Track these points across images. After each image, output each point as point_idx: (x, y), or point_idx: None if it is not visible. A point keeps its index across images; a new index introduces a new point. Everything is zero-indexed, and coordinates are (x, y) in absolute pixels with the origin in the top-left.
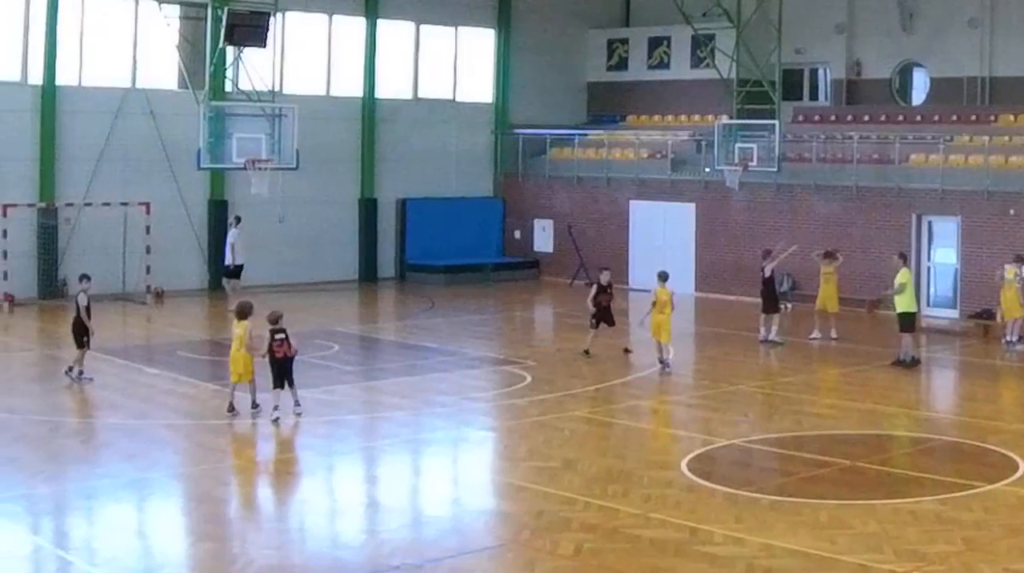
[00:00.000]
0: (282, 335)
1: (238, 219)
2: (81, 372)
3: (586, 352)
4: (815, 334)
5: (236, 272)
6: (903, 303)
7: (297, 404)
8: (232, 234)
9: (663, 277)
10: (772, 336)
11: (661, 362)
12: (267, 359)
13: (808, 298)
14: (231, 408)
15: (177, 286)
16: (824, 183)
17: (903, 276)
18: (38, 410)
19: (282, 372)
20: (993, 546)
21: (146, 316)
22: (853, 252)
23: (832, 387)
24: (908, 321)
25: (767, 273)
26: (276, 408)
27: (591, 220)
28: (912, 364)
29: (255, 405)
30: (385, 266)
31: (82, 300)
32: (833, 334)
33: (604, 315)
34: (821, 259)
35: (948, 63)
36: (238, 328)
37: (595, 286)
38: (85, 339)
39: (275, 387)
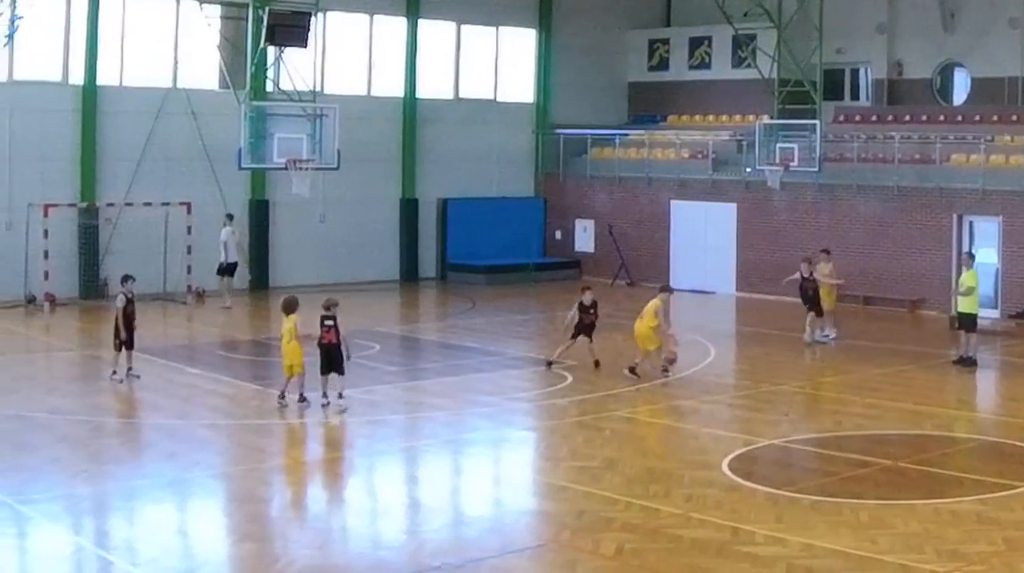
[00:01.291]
0: (331, 322)
1: (230, 217)
2: (114, 372)
3: (549, 364)
4: (827, 333)
5: (230, 270)
6: (971, 305)
7: (340, 396)
8: (224, 232)
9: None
10: (818, 337)
11: (631, 370)
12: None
13: (851, 298)
14: (282, 396)
15: (218, 286)
16: (865, 183)
17: (972, 278)
18: (79, 410)
19: (328, 359)
20: None
21: (187, 316)
22: (894, 252)
23: (873, 387)
24: (972, 321)
25: (806, 274)
26: (324, 394)
27: (632, 220)
28: (971, 364)
29: (302, 398)
30: (426, 266)
31: (119, 302)
32: (832, 333)
33: (586, 330)
34: (819, 258)
35: (989, 63)
36: (287, 322)
37: (576, 305)
38: (117, 342)
39: (322, 373)
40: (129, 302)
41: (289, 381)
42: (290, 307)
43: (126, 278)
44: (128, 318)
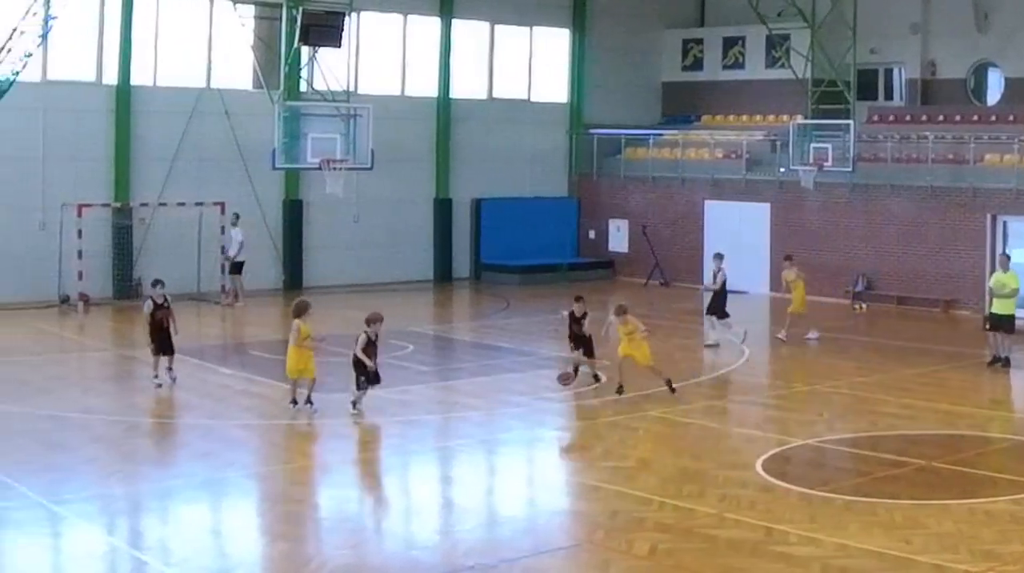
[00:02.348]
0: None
1: (237, 216)
2: (156, 376)
3: (574, 372)
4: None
5: (239, 268)
6: (1011, 306)
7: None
8: (237, 232)
9: (619, 311)
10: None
11: (595, 377)
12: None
13: (885, 298)
14: (294, 402)
15: (251, 286)
16: (899, 183)
17: (1013, 280)
18: (114, 410)
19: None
20: None
21: (220, 316)
22: (927, 253)
23: (907, 387)
24: (1011, 323)
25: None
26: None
27: (666, 220)
28: (1006, 364)
29: (308, 401)
30: (460, 266)
31: (146, 307)
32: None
33: (578, 342)
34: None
35: (1023, 63)
36: (298, 325)
37: (568, 315)
38: (151, 347)
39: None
40: (160, 307)
41: (297, 385)
42: (300, 311)
43: (155, 283)
44: (157, 324)
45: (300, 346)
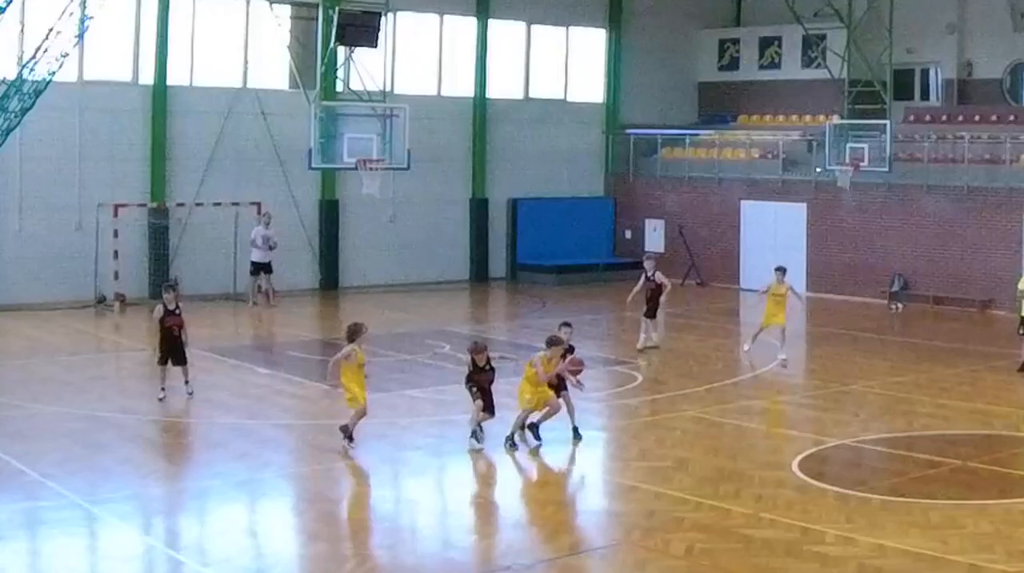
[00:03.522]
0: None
1: (269, 216)
2: (162, 389)
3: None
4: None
5: (262, 268)
6: None
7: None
8: (258, 230)
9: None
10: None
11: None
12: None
13: (921, 299)
14: (349, 436)
15: (288, 286)
16: (935, 183)
17: None
18: (150, 410)
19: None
20: None
21: (257, 316)
22: (964, 253)
23: (943, 387)
24: None
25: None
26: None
27: (702, 220)
28: None
29: (348, 434)
30: (496, 266)
31: (156, 311)
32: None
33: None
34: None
35: None
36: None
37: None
38: (158, 356)
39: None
40: (170, 313)
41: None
42: (355, 333)
43: (168, 286)
44: (167, 331)
45: (356, 372)
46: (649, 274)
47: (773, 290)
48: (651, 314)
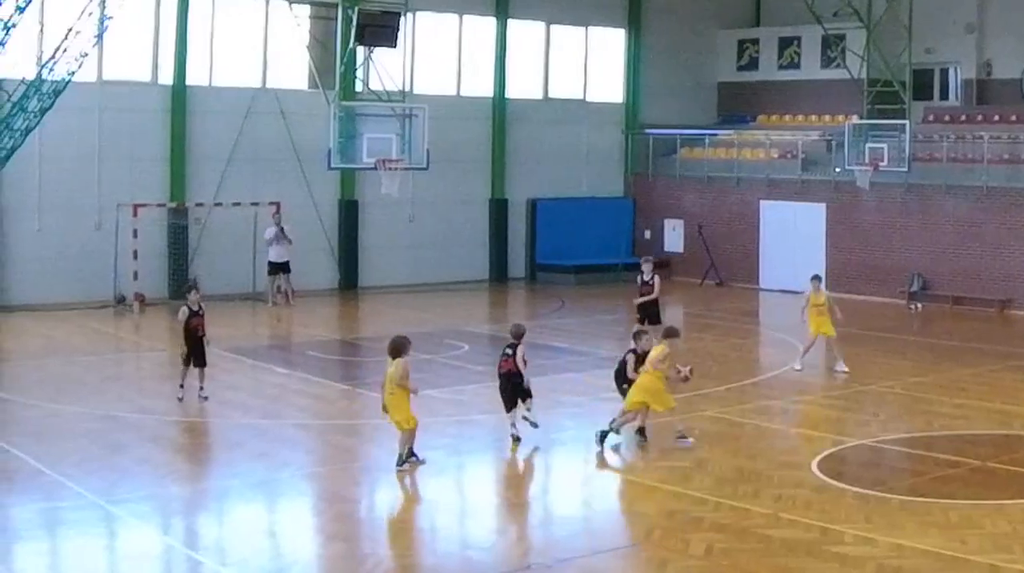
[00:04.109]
0: (511, 350)
1: (280, 217)
2: (181, 386)
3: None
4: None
5: (279, 268)
6: None
7: (514, 425)
8: (271, 230)
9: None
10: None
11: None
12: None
13: (941, 299)
14: (401, 462)
15: (307, 286)
16: (954, 183)
17: None
18: (169, 410)
19: (506, 391)
20: None
21: (276, 316)
22: (983, 253)
23: (962, 387)
24: None
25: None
26: (517, 423)
27: (721, 220)
28: None
29: (411, 454)
30: (515, 266)
31: (181, 313)
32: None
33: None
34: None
35: None
36: (395, 367)
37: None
38: (183, 356)
39: (507, 410)
40: (194, 315)
41: (405, 438)
42: (399, 349)
43: (191, 287)
44: (191, 332)
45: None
46: (646, 277)
47: (813, 301)
48: (656, 320)
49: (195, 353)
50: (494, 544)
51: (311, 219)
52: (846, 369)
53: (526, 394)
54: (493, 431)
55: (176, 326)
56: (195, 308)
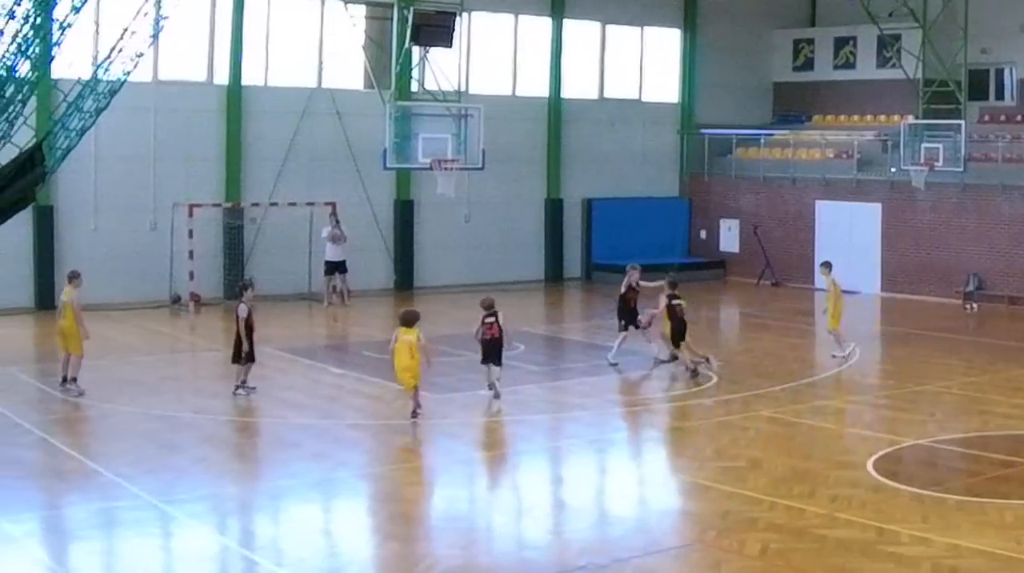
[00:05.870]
0: (492, 319)
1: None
2: (244, 382)
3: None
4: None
5: (335, 267)
6: None
7: (490, 386)
8: (326, 230)
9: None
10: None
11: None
12: (478, 339)
13: (996, 299)
14: (415, 413)
15: (363, 286)
16: (1010, 183)
17: None
18: (225, 410)
19: (490, 351)
20: None
21: (332, 316)
22: None
23: (1018, 387)
24: None
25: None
26: (491, 386)
27: (777, 220)
28: None
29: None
30: (571, 266)
31: (241, 311)
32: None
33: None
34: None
35: None
36: (408, 334)
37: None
38: (243, 354)
39: (483, 363)
40: (250, 313)
41: (415, 394)
42: (416, 319)
43: (249, 285)
44: (250, 330)
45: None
46: (634, 284)
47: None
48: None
49: (252, 350)
50: (549, 544)
51: (367, 219)
52: (836, 355)
53: (500, 360)
54: (549, 431)
55: (231, 325)
56: (251, 306)
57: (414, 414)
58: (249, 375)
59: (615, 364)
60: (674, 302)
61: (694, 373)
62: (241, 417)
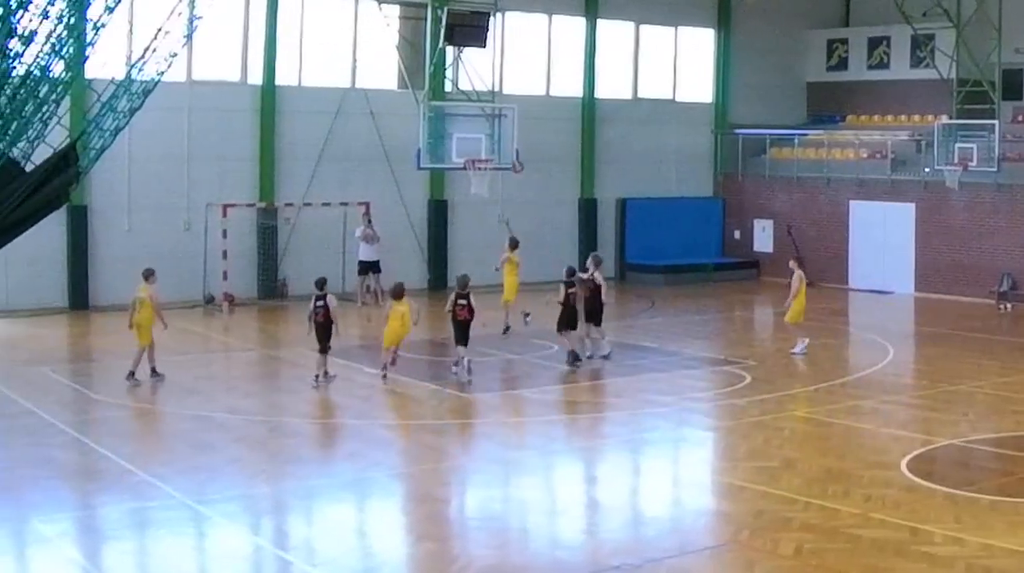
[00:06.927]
0: (464, 302)
1: (369, 218)
2: (326, 373)
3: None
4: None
5: (368, 268)
6: None
7: (456, 364)
8: (358, 230)
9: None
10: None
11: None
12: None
13: None
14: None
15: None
16: None
17: None
18: (258, 410)
19: (462, 332)
20: None
21: (366, 316)
22: None
23: None
24: None
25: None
26: (457, 363)
27: (811, 220)
28: None
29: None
30: (605, 265)
31: (331, 301)
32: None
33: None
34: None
35: None
36: (400, 306)
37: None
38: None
39: (457, 344)
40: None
41: (389, 354)
42: (400, 293)
43: (322, 281)
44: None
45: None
46: (591, 273)
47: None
48: (596, 320)
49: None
50: (583, 544)
51: (400, 219)
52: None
53: (467, 341)
54: (582, 432)
55: (265, 325)
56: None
57: (385, 369)
58: (327, 365)
59: (606, 356)
60: (569, 291)
61: (575, 358)
62: (274, 417)
